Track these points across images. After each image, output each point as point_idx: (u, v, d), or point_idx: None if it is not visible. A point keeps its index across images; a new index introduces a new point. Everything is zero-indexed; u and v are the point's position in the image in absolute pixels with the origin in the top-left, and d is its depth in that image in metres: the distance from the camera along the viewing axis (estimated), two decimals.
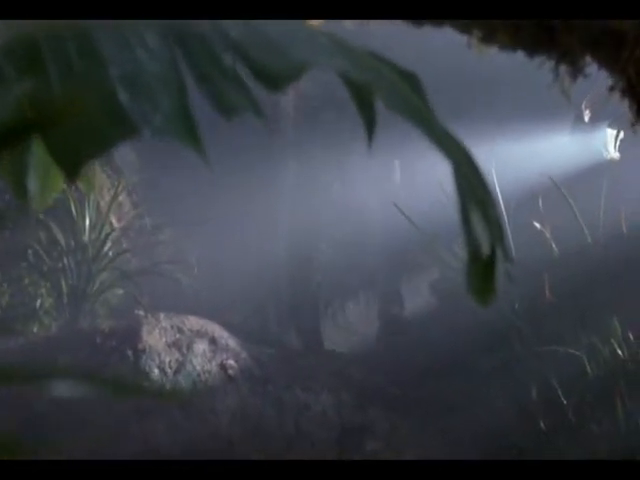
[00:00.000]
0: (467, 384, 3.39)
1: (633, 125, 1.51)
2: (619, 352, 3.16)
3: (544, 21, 1.41)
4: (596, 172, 4.49)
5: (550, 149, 4.62)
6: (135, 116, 0.58)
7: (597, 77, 1.53)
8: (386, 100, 0.73)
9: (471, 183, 0.73)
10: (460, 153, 0.75)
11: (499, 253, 0.71)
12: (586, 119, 5.15)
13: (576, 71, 1.51)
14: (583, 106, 5.16)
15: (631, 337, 3.17)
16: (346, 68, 0.71)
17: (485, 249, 0.70)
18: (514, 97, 4.54)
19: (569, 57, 1.51)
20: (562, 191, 3.27)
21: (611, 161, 5.00)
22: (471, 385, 3.37)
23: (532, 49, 1.50)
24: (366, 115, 0.76)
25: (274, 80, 0.64)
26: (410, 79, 0.82)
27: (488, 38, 1.51)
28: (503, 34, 1.49)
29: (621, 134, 4.96)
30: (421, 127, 0.71)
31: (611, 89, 1.49)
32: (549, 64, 1.51)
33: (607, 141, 5.16)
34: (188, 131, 0.60)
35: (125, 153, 4.85)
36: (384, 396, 3.36)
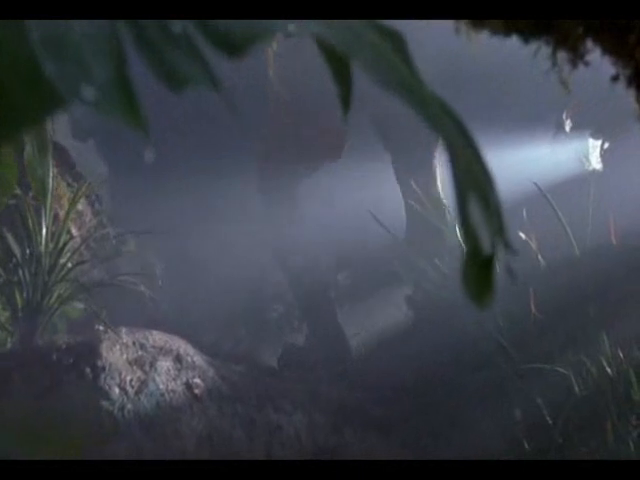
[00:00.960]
0: (448, 404, 3.26)
1: None
2: (608, 370, 3.02)
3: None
4: (577, 183, 4.42)
5: (531, 159, 4.53)
6: (62, 86, 0.51)
7: (586, 84, 1.39)
8: (367, 69, 0.65)
9: (468, 163, 0.67)
10: (454, 127, 0.68)
11: (500, 247, 0.65)
12: (567, 129, 5.09)
13: (576, 58, 1.36)
14: (564, 116, 5.08)
15: (620, 354, 3.03)
16: (319, 31, 0.64)
17: (485, 243, 0.64)
18: (494, 106, 4.45)
19: (569, 42, 1.35)
20: (549, 200, 3.13)
21: (593, 171, 4.95)
22: (453, 405, 3.24)
23: (527, 34, 1.35)
24: (342, 87, 0.70)
25: (235, 45, 0.57)
26: (393, 39, 0.72)
27: (478, 22, 1.36)
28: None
29: (605, 144, 4.90)
30: (407, 98, 0.64)
31: (615, 79, 1.33)
32: (545, 51, 1.37)
33: (589, 151, 5.12)
34: (127, 105, 0.52)
35: (88, 159, 4.69)
36: (361, 416, 3.21)
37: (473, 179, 0.67)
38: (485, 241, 0.66)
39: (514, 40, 1.42)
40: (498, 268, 0.74)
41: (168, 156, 4.40)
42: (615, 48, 1.32)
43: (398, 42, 0.71)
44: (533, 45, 1.40)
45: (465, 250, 0.67)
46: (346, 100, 0.74)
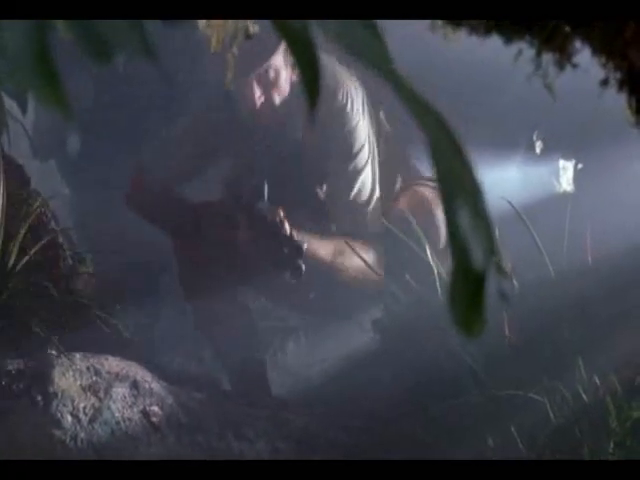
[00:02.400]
0: (417, 431, 3.15)
1: (637, 124, 1.27)
2: (584, 397, 2.92)
3: None
4: (549, 204, 4.37)
5: (500, 180, 4.46)
6: None
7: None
8: (337, 37, 0.59)
9: (455, 168, 0.60)
10: (438, 125, 0.61)
11: (491, 263, 0.59)
12: (537, 150, 5.04)
13: (563, 59, 1.26)
14: (534, 137, 5.03)
15: (597, 380, 2.93)
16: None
17: (476, 258, 0.57)
18: (463, 124, 4.36)
19: (555, 41, 1.24)
20: (523, 219, 3.04)
21: (564, 193, 4.92)
22: (422, 433, 3.12)
23: (510, 32, 1.25)
24: (306, 71, 0.59)
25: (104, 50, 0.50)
26: (370, 28, 0.65)
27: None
28: None
29: (579, 165, 4.86)
30: (387, 78, 0.59)
31: (604, 83, 1.23)
32: (528, 53, 1.27)
33: (559, 173, 5.08)
34: (44, 78, 0.46)
35: (45, 173, 4.56)
36: (327, 444, 3.10)
37: (460, 185, 0.60)
38: (476, 256, 0.58)
39: (493, 45, 1.30)
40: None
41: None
42: (606, 47, 1.22)
43: (375, 30, 0.65)
44: (514, 47, 1.29)
45: (453, 266, 0.59)
46: (312, 89, 0.62)
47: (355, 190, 3.61)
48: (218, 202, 3.63)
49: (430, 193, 3.69)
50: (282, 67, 3.44)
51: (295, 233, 3.30)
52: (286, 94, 3.48)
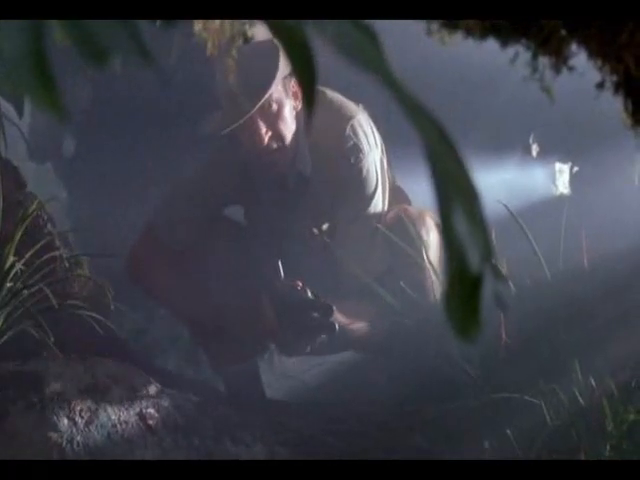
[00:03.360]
0: (413, 436, 3.14)
1: (631, 126, 1.27)
2: (580, 400, 2.92)
3: None
4: (546, 207, 4.38)
5: (497, 183, 4.47)
6: None
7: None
8: (333, 39, 0.58)
9: (451, 170, 0.61)
10: (435, 131, 0.62)
11: (487, 269, 0.59)
12: (534, 153, 5.05)
13: (560, 62, 1.26)
14: (531, 140, 5.04)
15: (593, 383, 2.93)
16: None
17: (473, 263, 0.57)
18: (460, 126, 4.37)
19: (552, 45, 1.25)
20: (519, 222, 3.04)
21: (561, 196, 4.92)
22: (419, 436, 3.12)
23: (506, 35, 1.25)
24: (303, 76, 0.58)
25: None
26: (366, 31, 0.65)
27: (452, 23, 1.26)
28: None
29: (574, 168, 4.87)
30: (383, 79, 0.59)
31: (600, 85, 1.24)
32: (525, 56, 1.27)
33: (556, 176, 5.09)
34: (39, 80, 0.46)
35: (41, 175, 4.55)
36: (324, 448, 3.09)
37: (457, 188, 0.60)
38: (472, 260, 0.58)
39: (490, 48, 1.30)
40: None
41: (128, 180, 4.27)
42: (603, 49, 1.22)
43: (372, 35, 0.64)
44: (510, 50, 1.29)
45: (449, 270, 0.58)
46: (310, 92, 0.62)
47: (363, 232, 3.52)
48: (236, 305, 3.48)
49: (420, 209, 3.60)
50: (284, 97, 3.28)
51: (318, 295, 3.22)
52: (293, 126, 3.33)
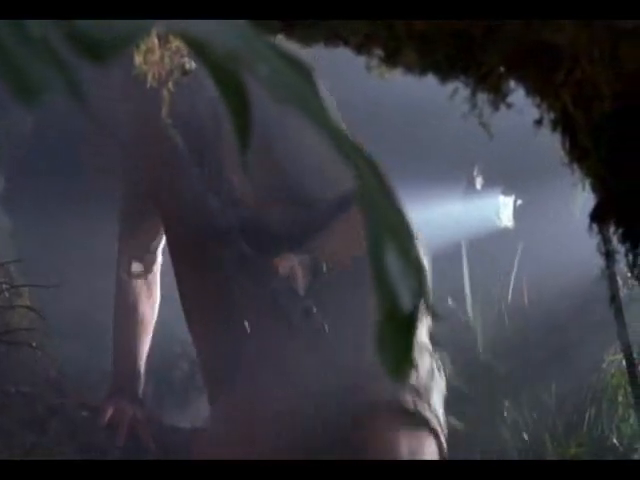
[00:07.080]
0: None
1: (569, 163, 1.29)
2: (524, 436, 2.95)
3: (461, 36, 1.17)
4: (490, 240, 4.42)
5: (441, 216, 4.49)
6: None
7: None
8: (266, 83, 0.56)
9: (384, 208, 0.59)
10: (368, 167, 0.60)
11: (420, 307, 0.57)
12: (478, 186, 5.09)
13: (498, 99, 1.27)
14: (475, 172, 5.08)
15: (535, 417, 2.97)
16: (199, 31, 0.55)
17: (405, 302, 0.55)
18: (402, 162, 4.40)
19: (490, 81, 1.26)
20: (463, 255, 3.08)
21: (504, 229, 4.97)
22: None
23: (445, 71, 1.25)
24: (236, 111, 0.57)
25: (97, 48, 0.49)
26: (300, 67, 0.62)
27: (392, 58, 1.27)
28: (410, 52, 1.22)
29: (518, 202, 4.92)
30: (315, 119, 0.56)
31: (538, 122, 1.25)
32: (463, 93, 1.28)
33: (500, 209, 5.14)
34: None
35: None
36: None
37: (390, 227, 0.59)
38: (404, 300, 0.56)
39: (429, 84, 1.30)
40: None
41: (77, 211, 4.23)
42: (540, 87, 1.23)
43: (307, 72, 0.61)
44: (450, 86, 1.29)
45: (379, 310, 0.57)
46: (243, 130, 0.61)
47: None
48: None
49: None
50: None
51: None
52: None
